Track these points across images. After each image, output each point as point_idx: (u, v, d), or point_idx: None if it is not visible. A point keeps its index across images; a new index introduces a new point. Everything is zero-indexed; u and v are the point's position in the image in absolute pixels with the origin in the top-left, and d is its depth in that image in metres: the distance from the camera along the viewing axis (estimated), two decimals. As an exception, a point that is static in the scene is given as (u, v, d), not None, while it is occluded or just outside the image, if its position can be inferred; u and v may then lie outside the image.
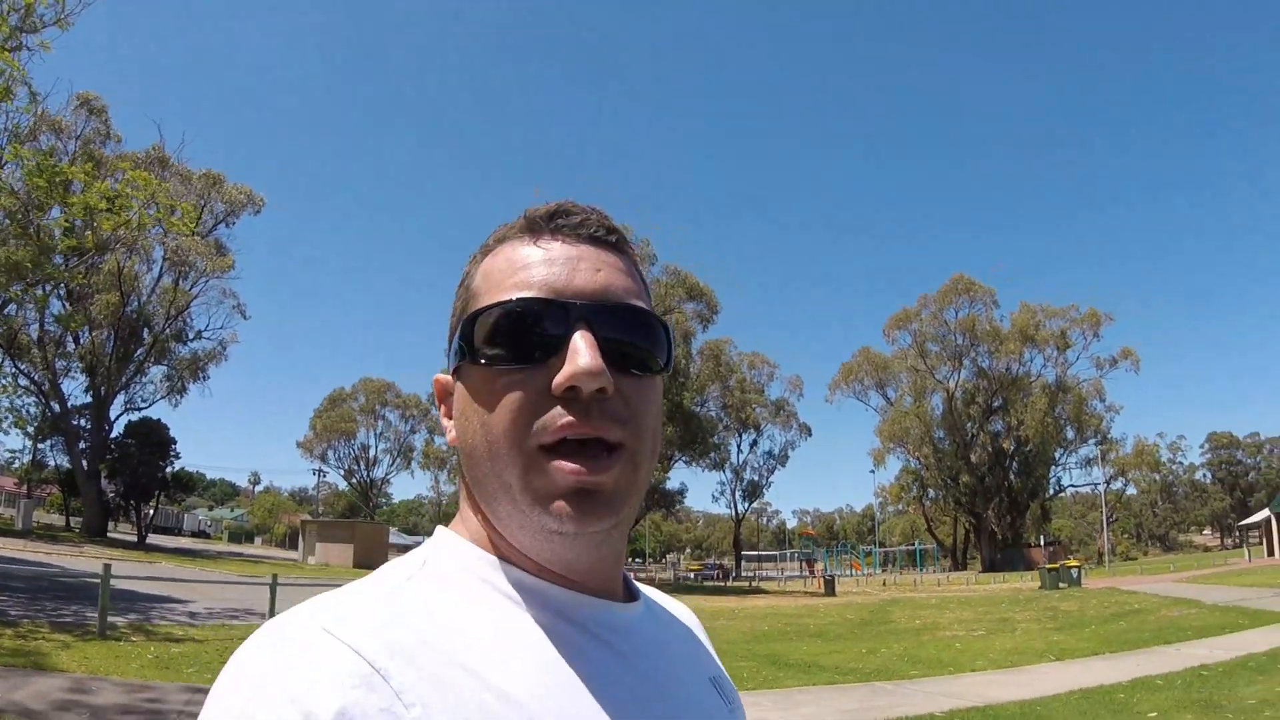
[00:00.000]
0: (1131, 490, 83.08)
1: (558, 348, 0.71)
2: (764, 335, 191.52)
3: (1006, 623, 20.74)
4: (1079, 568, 38.80)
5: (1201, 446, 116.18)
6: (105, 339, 47.38)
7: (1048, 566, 39.13)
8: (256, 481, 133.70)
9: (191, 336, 51.85)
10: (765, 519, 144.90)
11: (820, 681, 12.09)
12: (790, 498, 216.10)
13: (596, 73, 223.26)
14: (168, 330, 49.27)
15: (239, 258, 52.59)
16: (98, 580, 12.53)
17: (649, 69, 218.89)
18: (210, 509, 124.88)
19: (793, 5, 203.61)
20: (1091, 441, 73.31)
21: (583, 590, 0.75)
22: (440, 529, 0.80)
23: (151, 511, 50.31)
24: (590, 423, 0.71)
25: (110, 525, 50.49)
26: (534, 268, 0.75)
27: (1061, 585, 35.57)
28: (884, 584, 51.18)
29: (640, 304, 0.77)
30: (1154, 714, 8.75)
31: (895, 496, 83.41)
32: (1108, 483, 76.56)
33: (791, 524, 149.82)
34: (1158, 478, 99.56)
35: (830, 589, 41.42)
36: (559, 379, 0.70)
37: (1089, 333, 70.54)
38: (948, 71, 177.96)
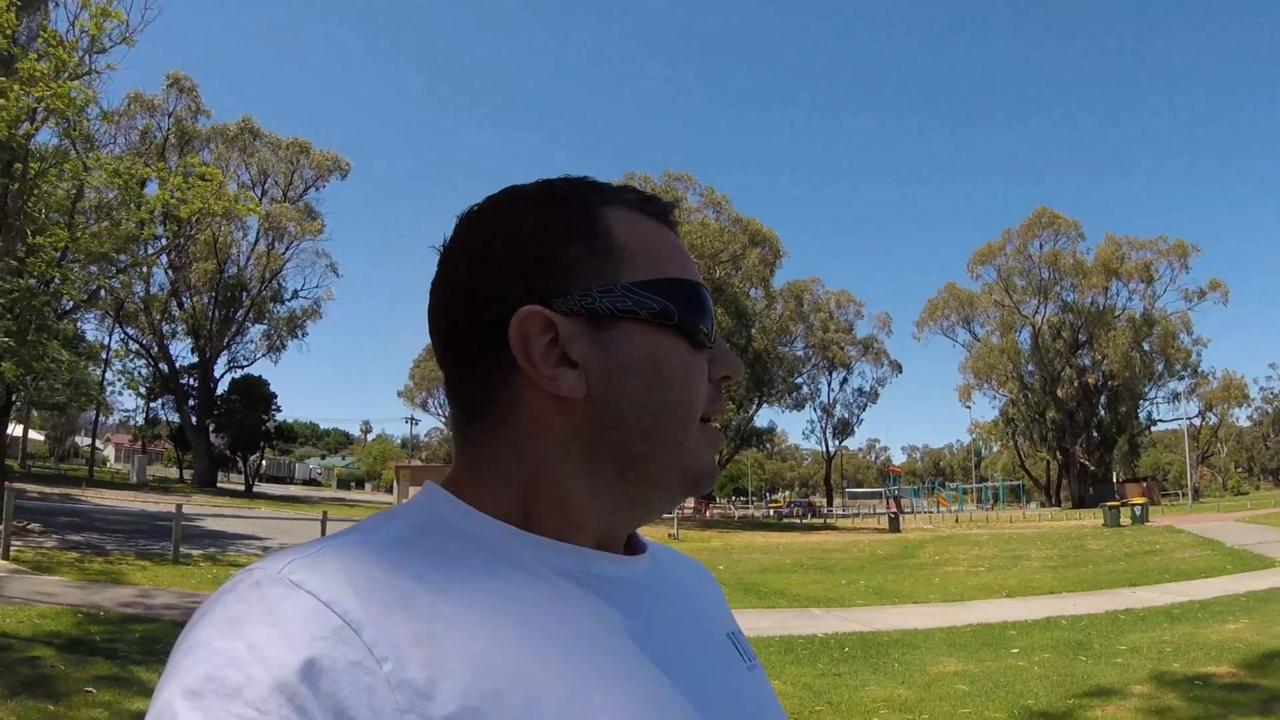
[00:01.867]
0: (1214, 421, 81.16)
1: (710, 339, 0.75)
2: (852, 274, 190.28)
3: (1018, 560, 21.79)
4: (1144, 505, 38.97)
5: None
6: (206, 303, 51.68)
7: (1109, 505, 39.22)
8: (368, 430, 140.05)
9: (288, 297, 56.06)
10: (875, 455, 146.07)
11: (762, 606, 13.84)
12: (900, 434, 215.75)
13: (674, 41, 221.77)
14: (264, 292, 53.38)
15: (330, 219, 56.57)
16: (186, 521, 15.38)
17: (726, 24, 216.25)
18: (323, 458, 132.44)
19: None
20: (1181, 375, 73.05)
21: (590, 544, 0.74)
22: (428, 484, 0.76)
23: (264, 462, 54.94)
24: (724, 409, 0.80)
25: (221, 476, 55.44)
26: (680, 255, 0.78)
27: (1123, 523, 35.77)
28: (956, 520, 52.41)
29: None
30: (1017, 650, 9.45)
31: (988, 433, 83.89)
32: (1200, 416, 75.60)
33: (900, 460, 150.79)
34: (1250, 411, 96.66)
35: (895, 526, 43.12)
36: (727, 370, 0.77)
37: (1177, 264, 69.57)
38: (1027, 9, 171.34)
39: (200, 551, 16.59)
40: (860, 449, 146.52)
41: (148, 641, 8.02)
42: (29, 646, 7.30)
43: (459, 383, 0.75)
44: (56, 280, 19.80)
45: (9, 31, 16.68)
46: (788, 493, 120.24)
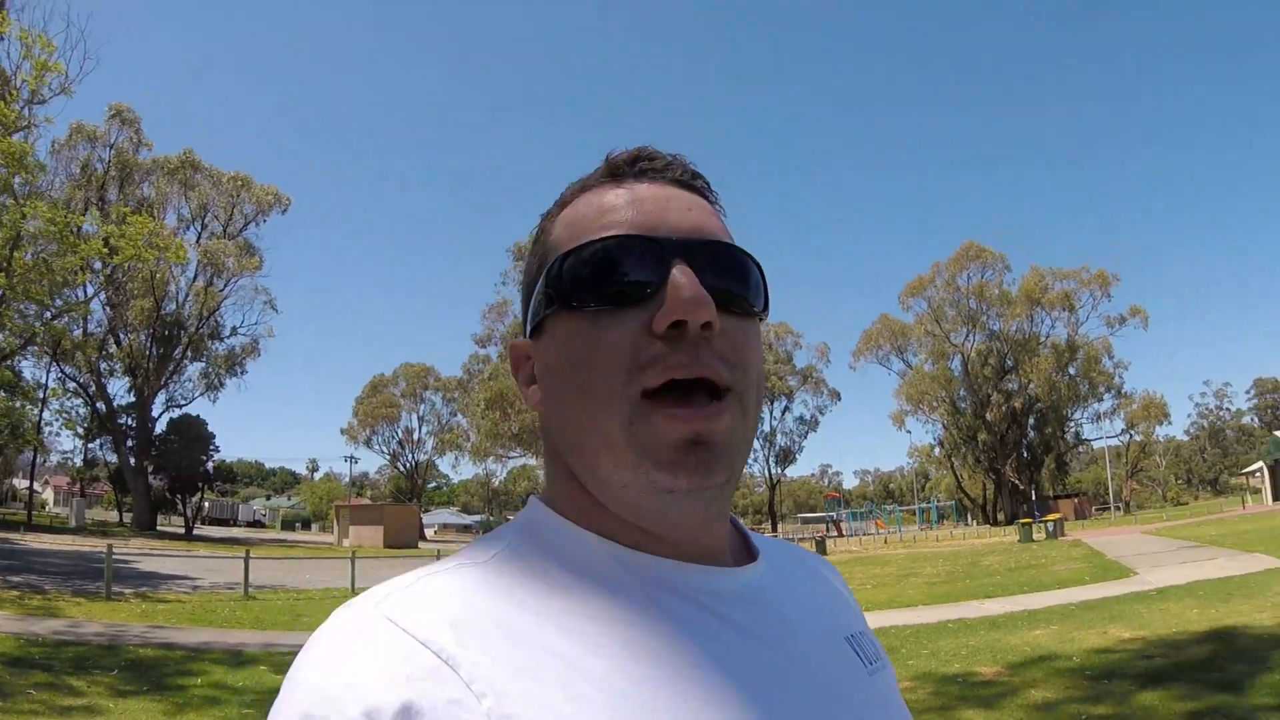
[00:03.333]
0: (1137, 439, 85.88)
1: (657, 287, 0.68)
2: (790, 307, 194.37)
3: (908, 577, 23.53)
4: (1059, 520, 41.14)
5: (1248, 392, 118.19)
6: (144, 341, 52.06)
7: (1022, 521, 41.65)
8: (315, 469, 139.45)
9: (227, 334, 56.65)
10: (827, 480, 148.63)
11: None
12: (853, 459, 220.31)
13: (592, 34, 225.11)
14: (202, 329, 53.94)
15: (270, 255, 57.42)
16: (121, 563, 16.32)
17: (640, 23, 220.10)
18: (268, 498, 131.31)
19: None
20: (1103, 397, 77.24)
21: (688, 557, 0.71)
22: (533, 499, 0.76)
23: (206, 504, 55.18)
24: (699, 363, 0.67)
25: (161, 518, 55.62)
26: (622, 209, 0.73)
27: (1036, 539, 37.69)
28: (885, 541, 54.30)
29: (735, 243, 0.76)
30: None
31: (927, 455, 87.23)
32: (1124, 434, 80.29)
33: (852, 484, 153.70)
34: (1188, 425, 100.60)
35: (821, 548, 44.78)
36: (663, 313, 0.66)
37: (1099, 293, 73.91)
38: (956, 38, 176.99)
39: (132, 590, 17.58)
40: (813, 474, 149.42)
41: (78, 659, 9.38)
42: (7, 673, 8.46)
43: None
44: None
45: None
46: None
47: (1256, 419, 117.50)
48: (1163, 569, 18.42)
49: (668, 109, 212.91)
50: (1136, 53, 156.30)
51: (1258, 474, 69.12)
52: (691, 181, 0.78)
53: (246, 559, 19.08)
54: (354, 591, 19.00)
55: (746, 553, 0.80)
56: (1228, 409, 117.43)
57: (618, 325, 0.67)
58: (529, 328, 0.76)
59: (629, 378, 0.66)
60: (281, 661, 9.83)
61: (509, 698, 0.56)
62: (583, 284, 0.69)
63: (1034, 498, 73.85)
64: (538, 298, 0.73)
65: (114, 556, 17.31)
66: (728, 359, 0.68)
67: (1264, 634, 9.67)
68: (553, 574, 0.66)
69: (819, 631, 0.76)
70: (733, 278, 0.71)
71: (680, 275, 0.67)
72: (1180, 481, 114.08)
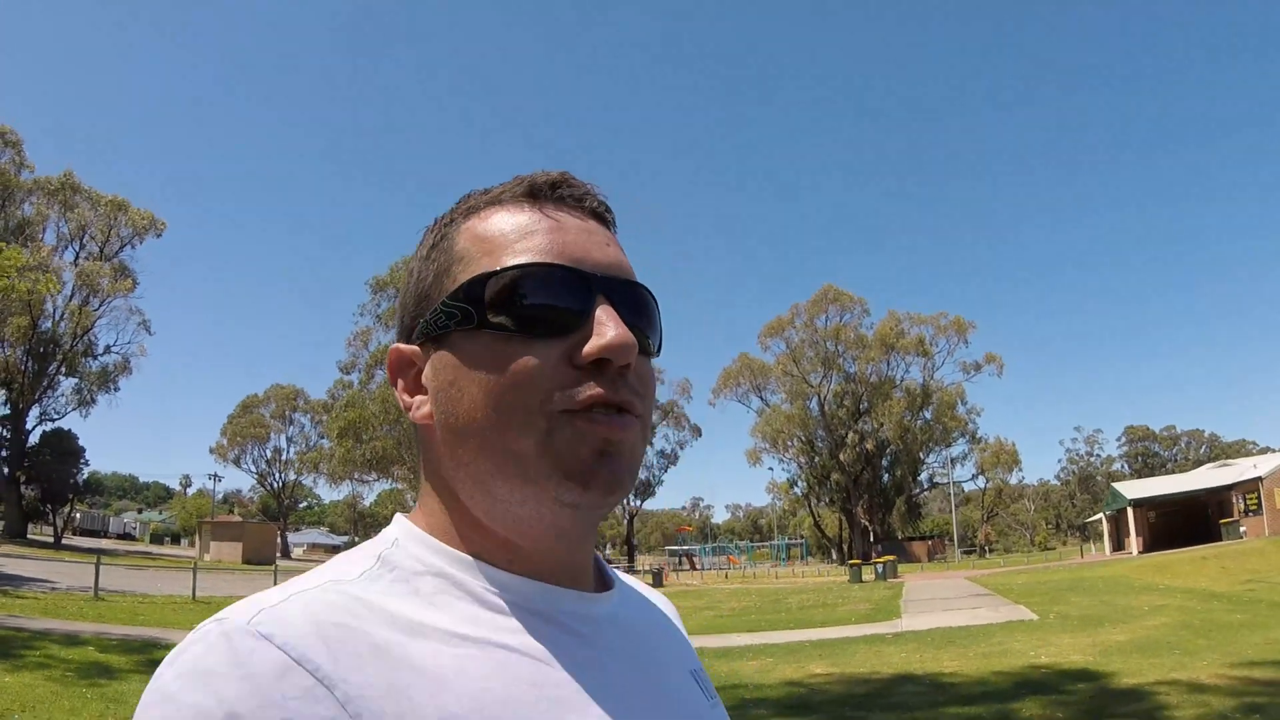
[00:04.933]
0: (986, 485, 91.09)
1: (580, 319, 0.70)
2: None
3: (707, 609, 26.71)
4: (890, 562, 44.46)
5: (1119, 439, 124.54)
6: (20, 356, 53.99)
7: (851, 563, 45.54)
8: (188, 484, 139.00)
9: (100, 352, 58.91)
10: (698, 514, 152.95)
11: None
12: (725, 494, 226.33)
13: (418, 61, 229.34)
14: (76, 347, 56.04)
15: (146, 277, 59.51)
16: None
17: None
18: (140, 511, 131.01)
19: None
20: (955, 441, 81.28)
21: (557, 580, 0.73)
22: (399, 518, 0.77)
23: (78, 515, 57.05)
24: (619, 394, 0.70)
25: (33, 528, 57.28)
26: (546, 234, 0.74)
27: (865, 579, 40.98)
28: (726, 576, 58.42)
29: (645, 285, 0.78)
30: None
31: (785, 492, 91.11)
32: (975, 479, 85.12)
33: (723, 518, 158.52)
34: (1058, 470, 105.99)
35: (658, 581, 48.78)
36: (592, 348, 0.69)
37: (955, 339, 78.00)
38: (825, 74, 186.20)
39: (-5, 589, 20.69)
40: (683, 507, 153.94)
41: None
42: None
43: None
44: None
45: None
46: (608, 551, 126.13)
47: (1126, 466, 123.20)
48: (927, 615, 20.70)
49: (516, 134, 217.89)
50: (1018, 90, 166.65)
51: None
52: (605, 214, 0.80)
53: (97, 564, 22.35)
54: (194, 600, 22.30)
55: (602, 580, 0.82)
56: (1099, 455, 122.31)
57: (538, 351, 0.69)
58: (418, 335, 0.75)
59: (546, 398, 0.68)
60: (107, 644, 13.24)
61: (383, 718, 0.57)
62: (506, 307, 0.70)
63: (886, 538, 78.19)
64: (441, 309, 0.73)
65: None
66: (638, 392, 0.72)
67: (930, 677, 11.51)
68: (421, 589, 0.68)
69: (668, 663, 0.81)
70: (643, 319, 0.75)
71: (605, 314, 0.71)
72: (1050, 526, 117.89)
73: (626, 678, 0.72)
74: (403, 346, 0.77)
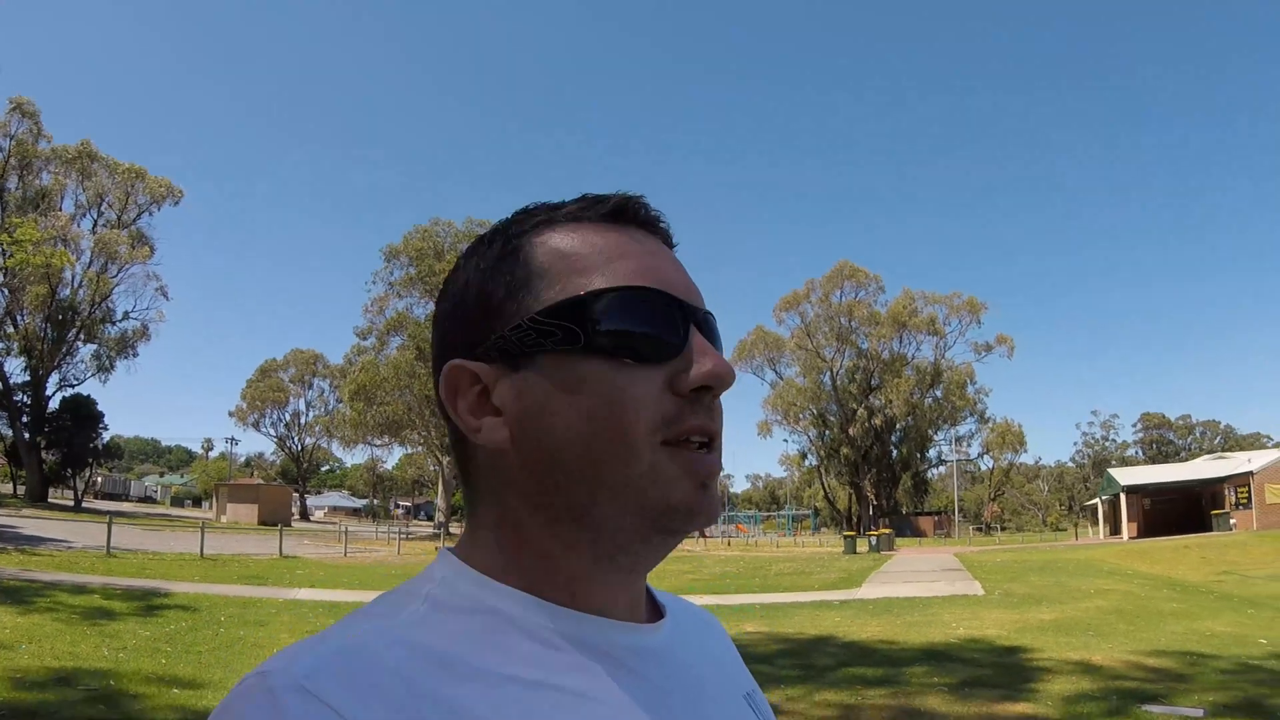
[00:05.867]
0: (993, 464, 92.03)
1: (679, 347, 0.69)
2: None
3: (692, 571, 28.07)
4: (887, 535, 46.41)
5: (1135, 425, 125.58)
6: (39, 323, 55.73)
7: (846, 534, 46.69)
8: (210, 448, 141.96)
9: (119, 318, 60.47)
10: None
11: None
12: (745, 463, 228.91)
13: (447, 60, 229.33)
14: (95, 314, 57.66)
15: (164, 243, 60.93)
16: (7, 527, 20.79)
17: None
18: (161, 475, 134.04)
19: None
20: (970, 420, 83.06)
21: (614, 612, 0.71)
22: (444, 553, 0.73)
23: (99, 480, 58.86)
24: (714, 423, 0.70)
25: (54, 492, 59.26)
26: (639, 258, 0.72)
27: (859, 550, 42.20)
28: (729, 544, 59.66)
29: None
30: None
31: (797, 465, 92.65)
32: (980, 458, 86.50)
33: (743, 488, 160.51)
34: (1022, 458, 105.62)
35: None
36: (698, 376, 0.68)
37: (968, 319, 79.43)
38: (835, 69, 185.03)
39: (14, 547, 22.25)
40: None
41: None
42: None
43: (450, 442, 0.75)
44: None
45: None
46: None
47: (1140, 451, 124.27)
48: (886, 585, 21.68)
49: (529, 112, 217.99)
50: (1031, 74, 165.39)
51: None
52: (670, 237, 0.79)
53: (109, 523, 23.92)
54: (201, 557, 23.69)
55: (654, 608, 0.81)
56: (1114, 440, 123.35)
57: (644, 378, 0.67)
58: (489, 352, 0.71)
59: (653, 427, 0.67)
60: (111, 593, 14.60)
61: None
62: (613, 330, 0.68)
63: (892, 512, 79.73)
64: (530, 327, 0.69)
65: (3, 524, 21.80)
66: (719, 419, 0.72)
67: (848, 640, 12.42)
68: (472, 630, 0.65)
69: (723, 690, 0.79)
70: (719, 347, 0.74)
71: (701, 343, 0.70)
72: (1062, 507, 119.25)
73: (682, 711, 0.70)
74: (466, 364, 0.71)
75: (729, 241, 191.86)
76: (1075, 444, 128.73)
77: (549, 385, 0.68)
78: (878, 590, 20.73)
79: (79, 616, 12.06)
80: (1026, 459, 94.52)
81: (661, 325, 0.69)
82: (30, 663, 8.91)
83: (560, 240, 0.72)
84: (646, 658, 0.71)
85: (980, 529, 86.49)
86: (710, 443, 0.70)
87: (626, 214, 0.75)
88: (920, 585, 21.70)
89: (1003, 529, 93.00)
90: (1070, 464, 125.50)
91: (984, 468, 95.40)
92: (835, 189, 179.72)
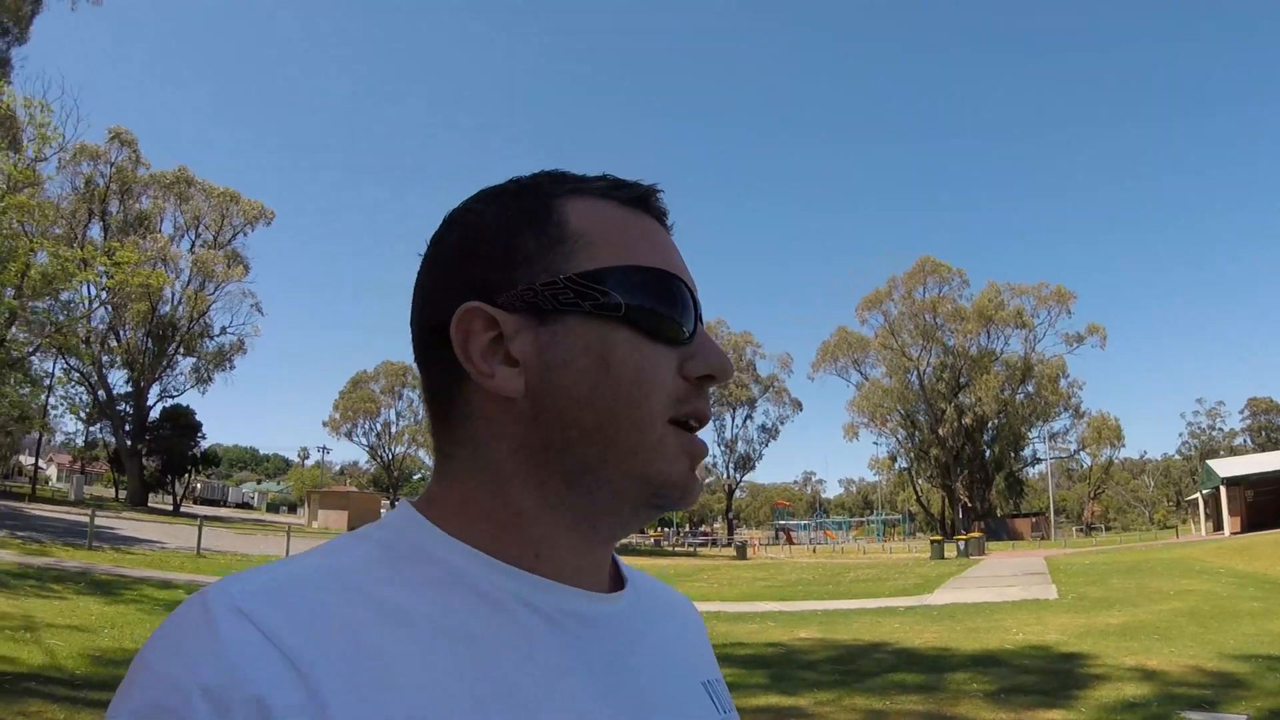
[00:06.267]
0: (1088, 462, 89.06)
1: (689, 337, 0.72)
2: (750, 317, 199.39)
3: (765, 580, 28.39)
4: (977, 539, 45.09)
5: (1241, 412, 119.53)
6: (141, 338, 58.47)
7: (933, 539, 46.12)
8: (306, 456, 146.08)
9: (216, 333, 63.47)
10: (809, 488, 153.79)
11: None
12: (838, 468, 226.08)
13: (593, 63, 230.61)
14: (194, 329, 60.30)
15: (258, 261, 63.79)
16: (107, 529, 22.01)
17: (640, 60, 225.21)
18: (259, 482, 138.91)
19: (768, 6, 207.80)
20: (1064, 415, 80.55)
21: (575, 580, 0.71)
22: (404, 504, 0.73)
23: (198, 486, 61.49)
24: (709, 411, 0.74)
25: (153, 497, 62.02)
26: (665, 249, 0.75)
27: (948, 556, 41.57)
28: (814, 551, 59.44)
29: None
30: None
31: (887, 468, 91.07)
32: (1076, 454, 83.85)
33: (835, 493, 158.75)
34: (1122, 453, 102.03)
35: (742, 554, 50.29)
36: (708, 365, 0.72)
37: (1057, 309, 77.27)
38: (921, 63, 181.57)
39: (110, 546, 23.41)
40: (795, 481, 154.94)
41: (58, 577, 15.25)
42: (11, 579, 14.28)
43: (426, 387, 0.75)
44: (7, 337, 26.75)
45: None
46: (715, 525, 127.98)
47: (1249, 439, 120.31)
48: (959, 591, 21.60)
49: (619, 120, 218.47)
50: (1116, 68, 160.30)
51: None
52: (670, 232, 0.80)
53: (200, 526, 25.05)
54: (287, 557, 24.38)
55: (617, 580, 0.80)
56: (1221, 429, 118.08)
57: (664, 358, 0.71)
58: (513, 302, 0.70)
59: (665, 404, 0.70)
60: (194, 588, 15.35)
61: (351, 707, 0.56)
62: (646, 308, 0.70)
63: (986, 515, 77.84)
64: (567, 286, 0.70)
65: (103, 525, 23.01)
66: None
67: (901, 647, 12.41)
68: (414, 578, 0.65)
69: (676, 673, 0.77)
70: None
71: (707, 336, 0.74)
72: (1170, 503, 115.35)
73: (622, 688, 0.69)
74: (487, 308, 0.70)
75: (805, 240, 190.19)
76: (1180, 435, 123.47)
77: (578, 345, 0.69)
78: (949, 596, 20.55)
79: (162, 608, 12.89)
80: (1130, 453, 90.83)
81: (682, 312, 0.72)
82: (109, 644, 9.73)
83: (596, 211, 0.74)
84: (597, 626, 0.71)
85: (1082, 530, 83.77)
86: (699, 428, 0.74)
87: (648, 203, 0.77)
88: (995, 590, 21.43)
89: (1107, 528, 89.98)
90: (1177, 456, 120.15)
91: (1084, 465, 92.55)
92: (910, 181, 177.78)
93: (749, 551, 52.44)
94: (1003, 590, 21.36)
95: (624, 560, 0.84)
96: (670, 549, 65.25)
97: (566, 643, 0.68)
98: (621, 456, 0.69)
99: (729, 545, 69.65)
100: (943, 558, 40.16)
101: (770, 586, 25.39)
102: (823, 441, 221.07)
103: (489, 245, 0.73)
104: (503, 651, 0.64)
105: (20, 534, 23.78)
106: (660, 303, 0.71)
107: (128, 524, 32.82)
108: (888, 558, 47.28)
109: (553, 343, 0.70)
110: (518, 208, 0.74)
